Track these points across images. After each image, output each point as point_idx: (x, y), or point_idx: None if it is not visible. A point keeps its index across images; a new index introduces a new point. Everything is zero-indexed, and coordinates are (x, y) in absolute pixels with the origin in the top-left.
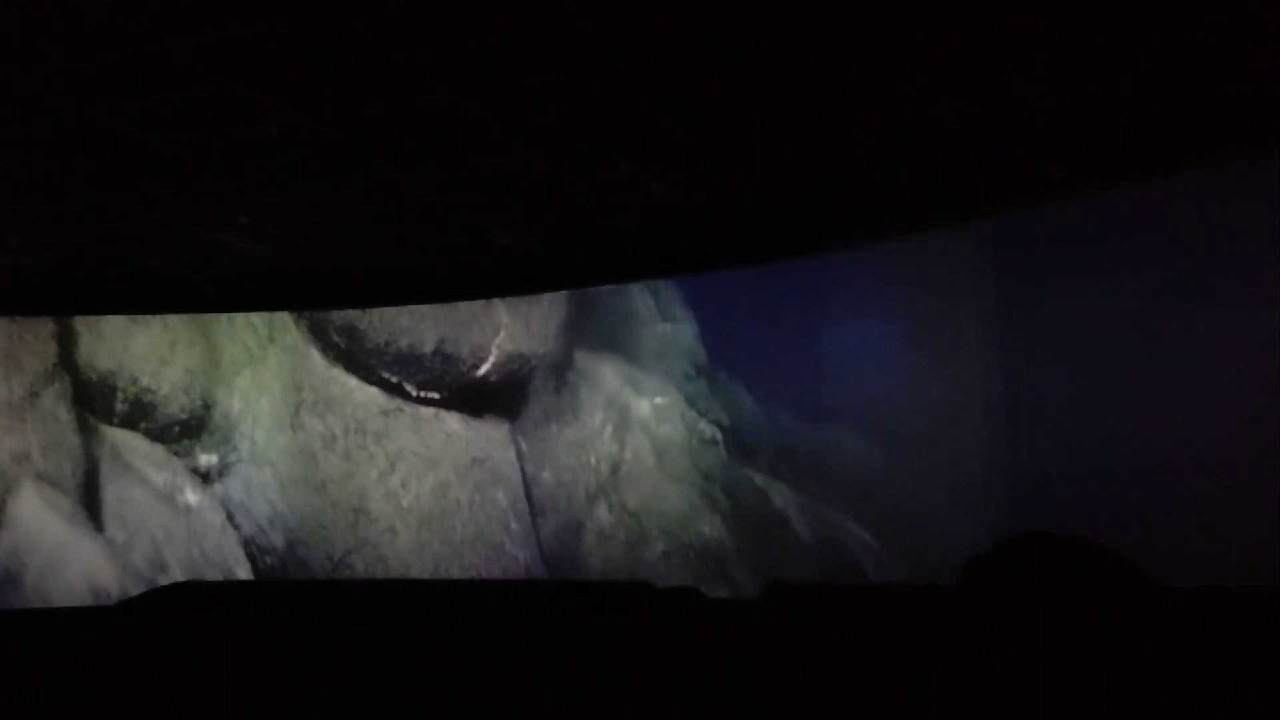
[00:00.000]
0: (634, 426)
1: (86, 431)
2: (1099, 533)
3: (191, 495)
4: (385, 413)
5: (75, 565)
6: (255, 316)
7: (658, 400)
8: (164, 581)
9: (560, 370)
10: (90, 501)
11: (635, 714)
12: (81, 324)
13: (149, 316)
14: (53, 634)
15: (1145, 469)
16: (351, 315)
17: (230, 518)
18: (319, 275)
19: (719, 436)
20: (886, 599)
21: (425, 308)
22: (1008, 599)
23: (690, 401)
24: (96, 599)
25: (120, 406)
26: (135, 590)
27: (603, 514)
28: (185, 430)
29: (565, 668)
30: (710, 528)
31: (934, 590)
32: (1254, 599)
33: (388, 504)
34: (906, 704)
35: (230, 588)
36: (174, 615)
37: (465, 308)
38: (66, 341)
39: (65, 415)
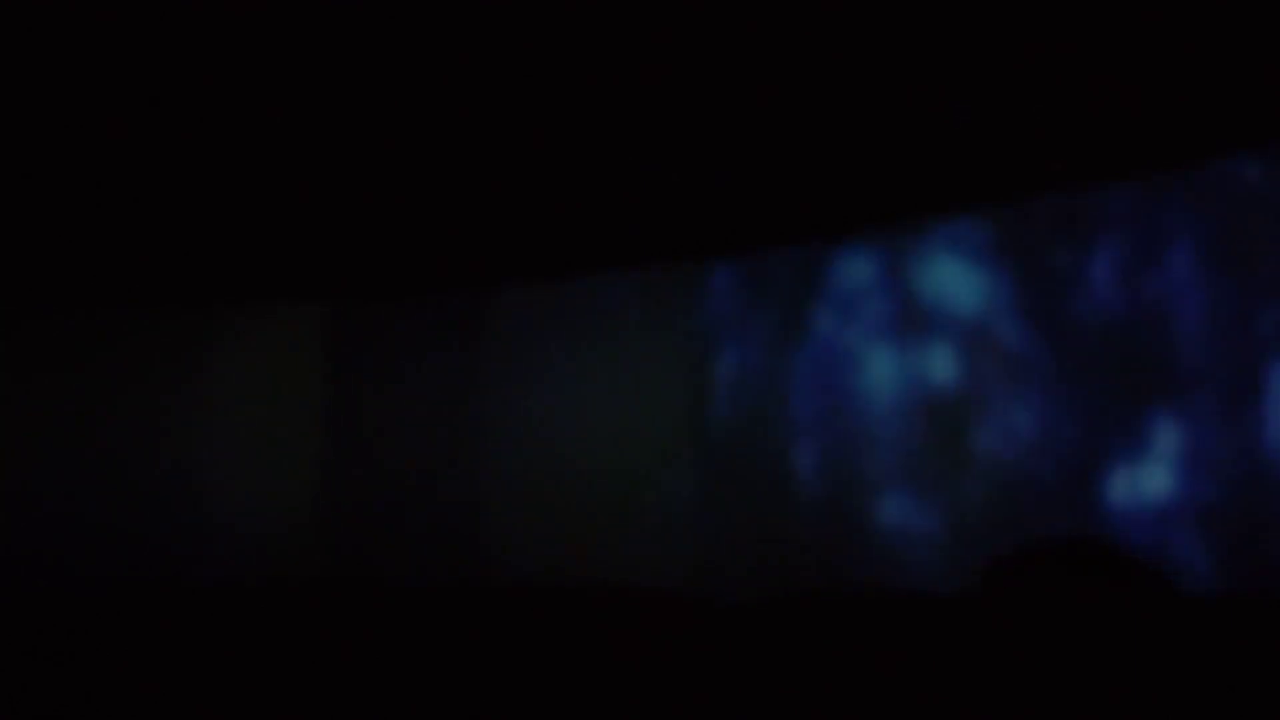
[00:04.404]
0: None
1: None
2: None
3: None
4: None
5: None
6: None
7: None
8: None
9: None
10: None
11: (635, 714)
12: None
13: None
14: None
15: None
16: None
17: None
18: None
19: None
20: (902, 607)
21: None
22: (1029, 605)
23: None
24: None
25: None
26: None
27: None
28: None
29: (565, 672)
30: None
31: (952, 598)
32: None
33: None
34: (923, 713)
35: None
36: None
37: None
38: None
39: None
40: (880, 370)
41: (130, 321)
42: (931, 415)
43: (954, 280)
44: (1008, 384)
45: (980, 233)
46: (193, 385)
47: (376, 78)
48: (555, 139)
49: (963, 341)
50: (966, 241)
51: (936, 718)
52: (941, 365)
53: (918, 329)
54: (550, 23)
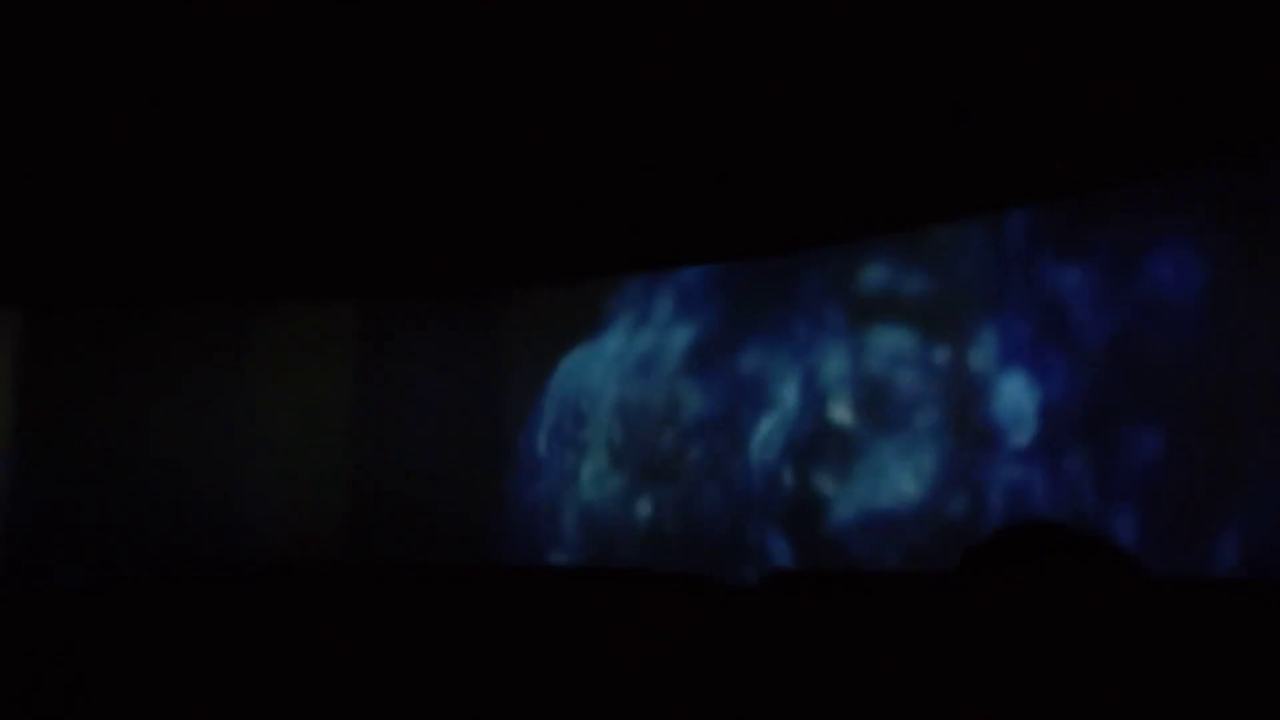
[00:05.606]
0: None
1: None
2: None
3: None
4: None
5: None
6: None
7: None
8: None
9: None
10: None
11: (638, 699)
12: None
13: None
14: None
15: None
16: None
17: None
18: None
19: None
20: (884, 587)
21: None
22: (1005, 587)
23: None
24: None
25: None
26: None
27: None
28: None
29: (568, 653)
30: None
31: (931, 578)
32: (1247, 590)
33: None
34: (904, 691)
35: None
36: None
37: None
38: None
39: None
40: None
41: (171, 319)
42: None
43: None
44: None
45: None
46: (232, 379)
47: (407, 104)
48: (555, 139)
49: None
50: None
51: (927, 702)
52: None
53: None
54: (550, 27)
